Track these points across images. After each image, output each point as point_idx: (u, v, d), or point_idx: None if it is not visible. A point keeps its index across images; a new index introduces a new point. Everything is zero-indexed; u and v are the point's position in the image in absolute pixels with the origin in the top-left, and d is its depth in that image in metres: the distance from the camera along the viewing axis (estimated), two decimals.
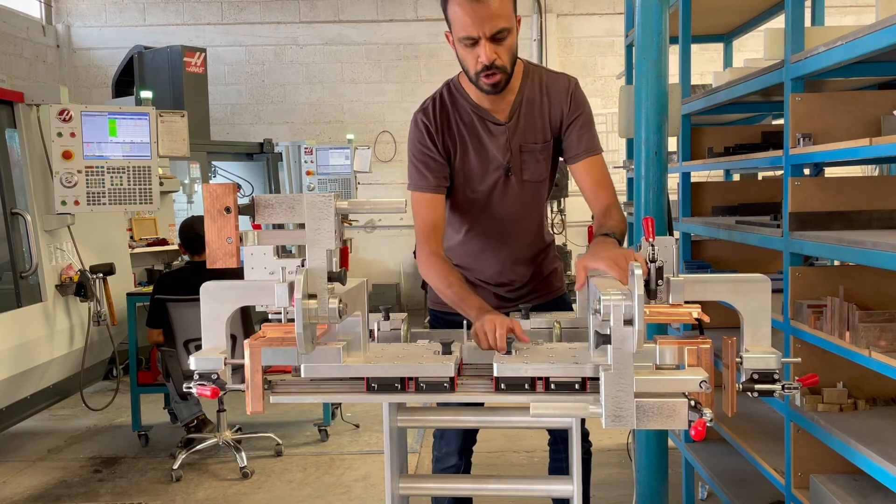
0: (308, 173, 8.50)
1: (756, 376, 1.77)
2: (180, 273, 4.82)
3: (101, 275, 4.64)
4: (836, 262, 3.02)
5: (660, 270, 1.81)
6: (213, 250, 1.76)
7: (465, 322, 2.21)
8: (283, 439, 4.96)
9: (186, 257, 4.95)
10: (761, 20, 4.14)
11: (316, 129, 10.43)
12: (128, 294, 5.10)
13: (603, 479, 4.06)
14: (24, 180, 4.32)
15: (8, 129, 4.30)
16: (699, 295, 1.83)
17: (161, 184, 4.97)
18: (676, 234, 3.60)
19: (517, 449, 4.79)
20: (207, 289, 1.86)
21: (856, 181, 2.60)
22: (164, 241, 6.71)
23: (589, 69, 10.17)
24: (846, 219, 2.52)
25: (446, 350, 1.99)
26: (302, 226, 1.82)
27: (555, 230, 8.92)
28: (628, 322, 1.61)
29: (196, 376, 1.84)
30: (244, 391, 1.83)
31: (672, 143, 3.23)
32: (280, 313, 1.84)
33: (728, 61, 4.66)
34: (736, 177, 4.70)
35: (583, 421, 2.29)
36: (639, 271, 1.61)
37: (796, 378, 1.84)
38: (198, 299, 1.86)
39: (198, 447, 4.69)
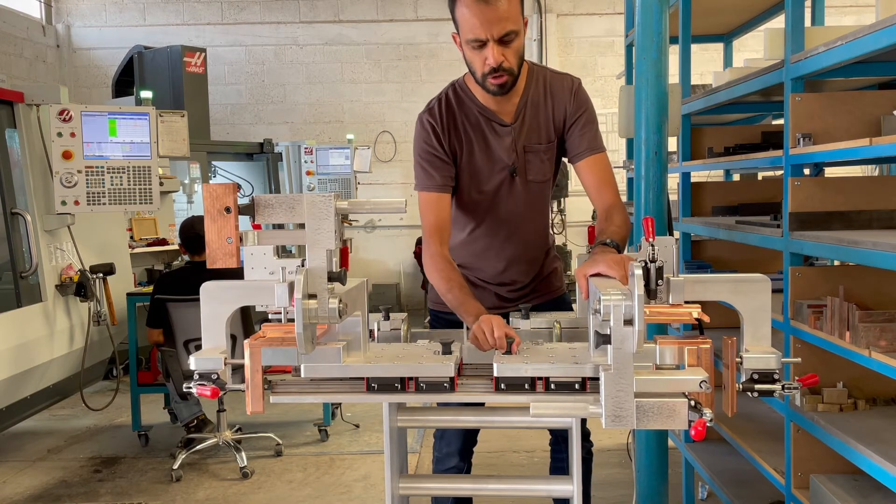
0: (308, 173, 8.50)
1: (756, 376, 1.77)
2: (180, 273, 4.82)
3: (101, 275, 4.64)
4: (836, 262, 3.02)
5: (660, 270, 1.81)
6: (213, 250, 1.76)
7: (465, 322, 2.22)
8: (283, 439, 4.96)
9: (186, 257, 4.95)
10: (761, 20, 4.14)
11: (316, 129, 10.43)
12: (128, 294, 5.10)
13: (603, 479, 4.06)
14: (24, 180, 4.32)
15: (8, 129, 4.30)
16: (699, 295, 1.83)
17: (161, 184, 4.97)
18: (676, 234, 3.60)
19: (517, 449, 4.79)
20: (207, 289, 1.86)
21: (856, 181, 2.60)
22: (164, 241, 6.71)
23: (589, 69, 10.17)
24: (846, 219, 2.52)
25: (446, 350, 1.99)
26: (302, 226, 1.82)
27: (555, 230, 8.92)
28: (628, 322, 1.61)
29: (196, 376, 1.84)
30: (244, 391, 1.83)
31: (672, 143, 3.23)
32: (280, 313, 1.84)
33: (728, 61, 4.66)
34: (736, 177, 4.70)
35: (584, 421, 2.29)
36: (639, 271, 1.61)
37: (796, 378, 1.84)
38: (198, 299, 1.86)
39: (198, 447, 4.69)
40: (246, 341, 1.81)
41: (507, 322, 2.27)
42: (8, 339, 4.01)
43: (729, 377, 1.76)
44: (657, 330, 2.68)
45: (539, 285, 2.70)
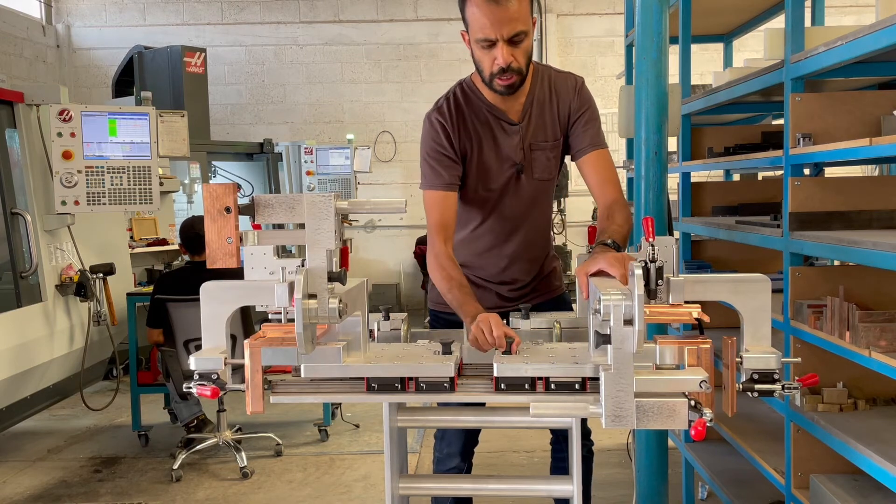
0: (308, 173, 8.49)
1: (756, 376, 1.77)
2: (180, 273, 4.82)
3: (101, 275, 4.64)
4: (836, 262, 3.02)
5: (660, 270, 1.81)
6: (213, 250, 1.76)
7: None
8: (283, 439, 4.96)
9: (186, 257, 4.95)
10: (761, 20, 4.14)
11: (316, 129, 10.43)
12: (128, 294, 5.09)
13: (603, 479, 4.05)
14: (24, 180, 4.32)
15: (8, 129, 4.30)
16: (699, 295, 1.83)
17: (161, 184, 4.97)
18: (676, 234, 3.60)
19: (517, 449, 4.79)
20: (207, 289, 1.86)
21: (856, 181, 2.60)
22: (164, 241, 6.71)
23: (589, 69, 10.16)
24: (846, 219, 2.52)
25: (446, 350, 1.99)
26: (302, 226, 1.82)
27: (555, 230, 8.92)
28: (628, 322, 1.61)
29: (196, 376, 1.84)
30: (244, 391, 1.83)
31: (672, 143, 3.23)
32: (280, 313, 1.84)
33: (728, 61, 4.66)
34: (736, 177, 4.70)
35: (584, 420, 2.29)
36: (639, 271, 1.61)
37: (796, 378, 1.84)
38: (198, 299, 1.86)
39: (198, 447, 4.69)
40: (246, 341, 1.81)
41: (507, 322, 2.27)
42: (8, 339, 4.01)
43: (729, 377, 1.76)
44: (657, 330, 2.68)
45: (539, 284, 2.70)
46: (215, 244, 1.76)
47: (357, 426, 5.33)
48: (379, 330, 2.31)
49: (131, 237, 6.45)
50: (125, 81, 8.15)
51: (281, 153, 8.56)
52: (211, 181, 7.62)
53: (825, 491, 2.41)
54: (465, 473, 2.71)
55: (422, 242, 8.57)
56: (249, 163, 8.49)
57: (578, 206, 9.75)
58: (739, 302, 1.80)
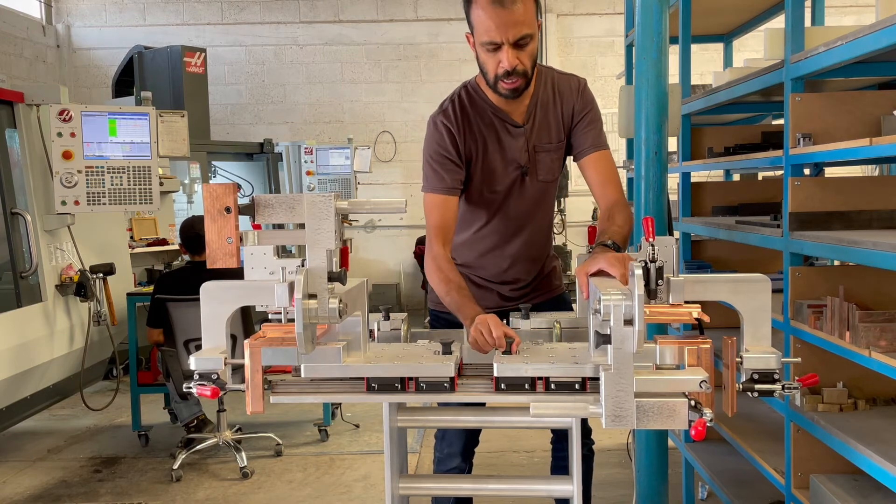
0: (308, 173, 8.49)
1: (756, 376, 1.77)
2: (180, 273, 4.82)
3: (101, 275, 4.64)
4: (836, 262, 3.02)
5: (660, 270, 1.81)
6: (213, 250, 1.76)
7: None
8: (283, 439, 4.96)
9: (187, 257, 4.95)
10: (761, 20, 4.14)
11: (316, 129, 10.43)
12: (128, 294, 5.09)
13: (603, 479, 4.05)
14: (24, 180, 4.32)
15: (8, 129, 4.30)
16: (699, 295, 1.83)
17: (161, 184, 4.97)
18: (676, 234, 3.60)
19: (517, 449, 4.79)
20: (207, 289, 1.87)
21: (856, 181, 2.60)
22: (164, 241, 6.71)
23: (589, 69, 10.16)
24: (846, 219, 2.52)
25: (446, 350, 1.99)
26: (302, 226, 1.82)
27: (555, 230, 8.92)
28: (628, 322, 1.61)
29: (196, 376, 1.84)
30: (244, 391, 1.83)
31: (672, 143, 3.23)
32: (280, 313, 1.84)
33: (728, 61, 4.66)
34: (736, 177, 4.70)
35: (584, 419, 2.29)
36: (639, 271, 1.61)
37: (796, 378, 1.85)
38: (198, 299, 1.86)
39: (198, 447, 4.69)
40: (246, 341, 1.81)
41: (507, 322, 2.27)
42: (8, 339, 4.01)
43: (729, 377, 1.76)
44: (657, 330, 2.68)
45: (540, 284, 2.71)
46: (215, 244, 1.76)
47: (357, 426, 5.33)
48: (379, 330, 2.31)
49: (131, 237, 6.45)
50: (125, 81, 8.15)
51: (281, 153, 8.56)
52: (211, 181, 7.62)
53: (825, 491, 2.41)
54: (465, 473, 2.71)
55: (422, 242, 8.57)
56: (249, 163, 8.49)
57: (578, 206, 9.75)
58: (739, 302, 1.80)
